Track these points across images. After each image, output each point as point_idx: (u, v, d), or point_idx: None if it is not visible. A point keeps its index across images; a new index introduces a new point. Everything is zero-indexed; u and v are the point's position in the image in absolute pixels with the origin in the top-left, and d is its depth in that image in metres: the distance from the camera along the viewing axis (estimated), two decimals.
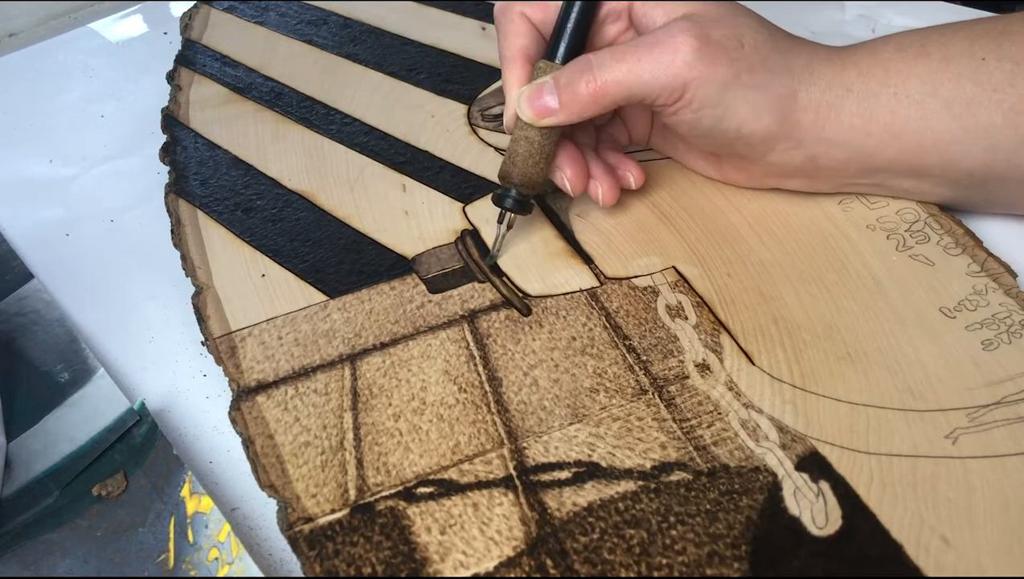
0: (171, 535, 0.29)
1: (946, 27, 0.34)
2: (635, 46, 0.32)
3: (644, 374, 0.32)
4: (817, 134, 0.34)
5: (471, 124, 0.44)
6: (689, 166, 0.40)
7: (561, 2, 0.35)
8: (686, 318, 0.34)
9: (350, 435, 0.31)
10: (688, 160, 0.40)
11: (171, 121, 0.46)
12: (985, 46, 0.33)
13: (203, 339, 0.34)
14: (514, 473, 0.29)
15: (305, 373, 0.33)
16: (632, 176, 0.37)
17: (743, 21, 0.33)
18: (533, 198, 0.37)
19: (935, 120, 0.33)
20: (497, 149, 0.43)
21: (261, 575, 0.27)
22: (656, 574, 0.26)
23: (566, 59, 0.34)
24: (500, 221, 0.36)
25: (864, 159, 0.34)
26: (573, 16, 0.34)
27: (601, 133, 0.39)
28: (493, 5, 0.53)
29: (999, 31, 0.33)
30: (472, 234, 0.38)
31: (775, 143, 0.34)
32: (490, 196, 0.37)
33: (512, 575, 0.26)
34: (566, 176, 0.36)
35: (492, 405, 0.31)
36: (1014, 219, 0.37)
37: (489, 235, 0.38)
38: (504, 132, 0.44)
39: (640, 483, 0.28)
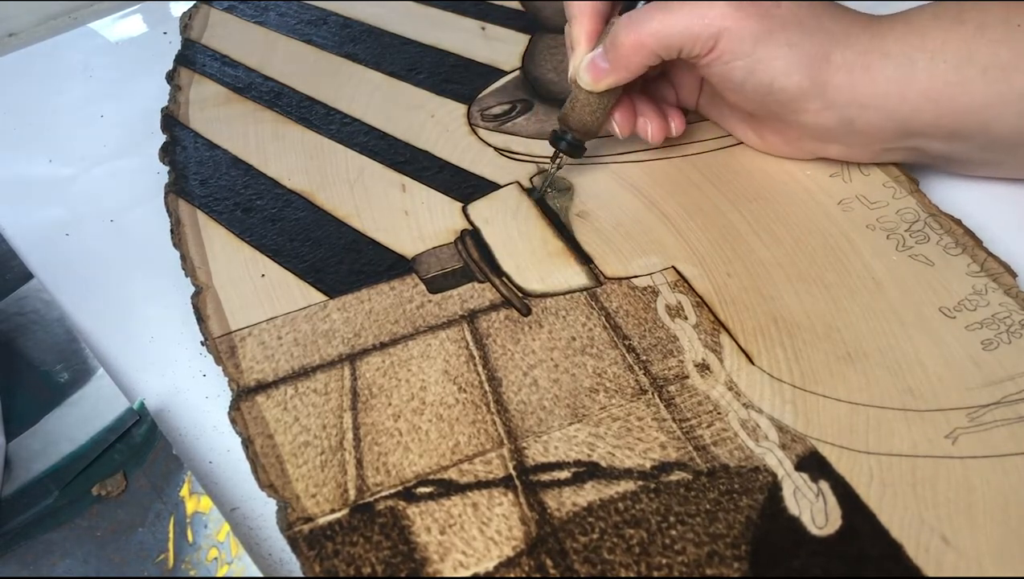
0: (170, 535, 0.29)
1: None
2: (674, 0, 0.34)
3: (644, 374, 0.32)
4: (850, 96, 0.35)
5: (471, 124, 0.44)
6: (733, 132, 0.41)
7: None
8: (686, 318, 0.34)
9: (350, 435, 0.31)
10: (731, 125, 0.41)
11: (171, 121, 0.46)
12: (1021, 12, 0.34)
13: (203, 339, 0.34)
14: (514, 473, 0.29)
15: (305, 373, 0.33)
16: (674, 123, 0.39)
17: None
18: (534, 192, 0.38)
19: (971, 85, 0.34)
20: (497, 149, 0.43)
21: (260, 575, 0.27)
22: (656, 574, 0.26)
23: None
24: (552, 159, 0.39)
25: (900, 123, 0.35)
26: None
27: (648, 89, 0.41)
28: (493, 5, 0.53)
29: None
30: (472, 234, 0.38)
31: (806, 102, 0.35)
32: (547, 138, 0.39)
33: (512, 575, 0.26)
34: (615, 119, 0.38)
35: (492, 405, 0.31)
36: (1014, 219, 0.37)
37: (490, 235, 0.38)
38: (504, 132, 0.44)
39: (640, 483, 0.28)
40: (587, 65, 0.36)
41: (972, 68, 0.34)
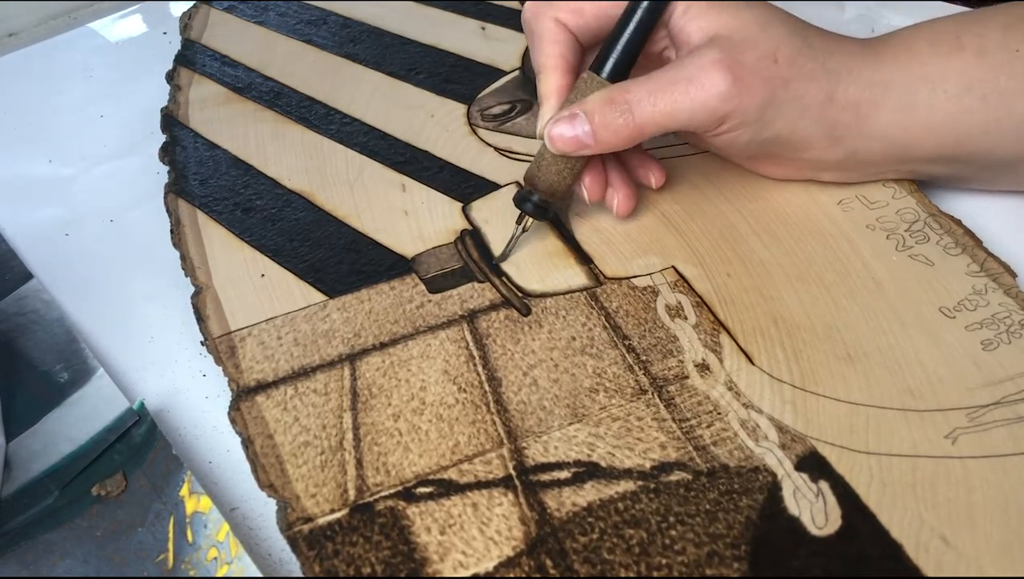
0: (170, 535, 0.29)
1: (979, 15, 0.34)
2: (670, 81, 0.32)
3: (644, 374, 0.32)
4: (857, 131, 0.34)
5: (471, 124, 0.44)
6: (723, 156, 0.40)
7: (593, 3, 0.34)
8: (686, 318, 0.34)
9: (349, 435, 0.31)
10: (716, 151, 0.39)
11: (170, 121, 0.46)
12: (1018, 37, 0.33)
13: (202, 339, 0.34)
14: (513, 473, 0.29)
15: (305, 373, 0.33)
16: (653, 177, 0.38)
17: (776, 32, 0.33)
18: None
19: (971, 113, 0.33)
20: (497, 149, 0.43)
21: (260, 575, 0.27)
22: (656, 574, 0.26)
23: (613, 75, 0.34)
24: (518, 222, 0.36)
25: (901, 152, 0.35)
26: (628, 32, 0.33)
27: None
28: (493, 5, 0.53)
29: None
30: (472, 234, 0.38)
31: (813, 143, 0.34)
32: (512, 198, 0.36)
33: (512, 575, 0.26)
34: (584, 184, 0.36)
35: (491, 405, 0.31)
36: (1014, 219, 0.37)
37: (489, 234, 0.38)
38: (504, 132, 0.44)
39: (640, 483, 0.28)
40: (562, 133, 0.33)
41: (972, 96, 0.33)
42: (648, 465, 0.29)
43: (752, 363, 0.32)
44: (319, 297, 0.36)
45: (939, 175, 0.37)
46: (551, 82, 0.35)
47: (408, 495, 0.29)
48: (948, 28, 0.34)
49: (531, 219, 0.36)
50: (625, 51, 0.34)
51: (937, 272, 0.34)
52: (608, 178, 0.36)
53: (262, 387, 0.32)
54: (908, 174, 0.38)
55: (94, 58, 0.53)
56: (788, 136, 0.34)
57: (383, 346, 0.33)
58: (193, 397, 0.34)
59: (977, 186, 0.38)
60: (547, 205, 0.35)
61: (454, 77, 0.48)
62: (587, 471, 0.29)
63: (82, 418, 0.32)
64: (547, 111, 0.35)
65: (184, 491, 0.30)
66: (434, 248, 0.37)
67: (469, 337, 0.34)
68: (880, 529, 0.26)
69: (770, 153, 0.36)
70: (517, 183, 0.40)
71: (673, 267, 0.36)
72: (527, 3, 0.35)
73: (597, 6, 0.34)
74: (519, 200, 0.36)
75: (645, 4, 0.33)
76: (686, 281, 0.35)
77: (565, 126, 0.33)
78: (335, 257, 0.37)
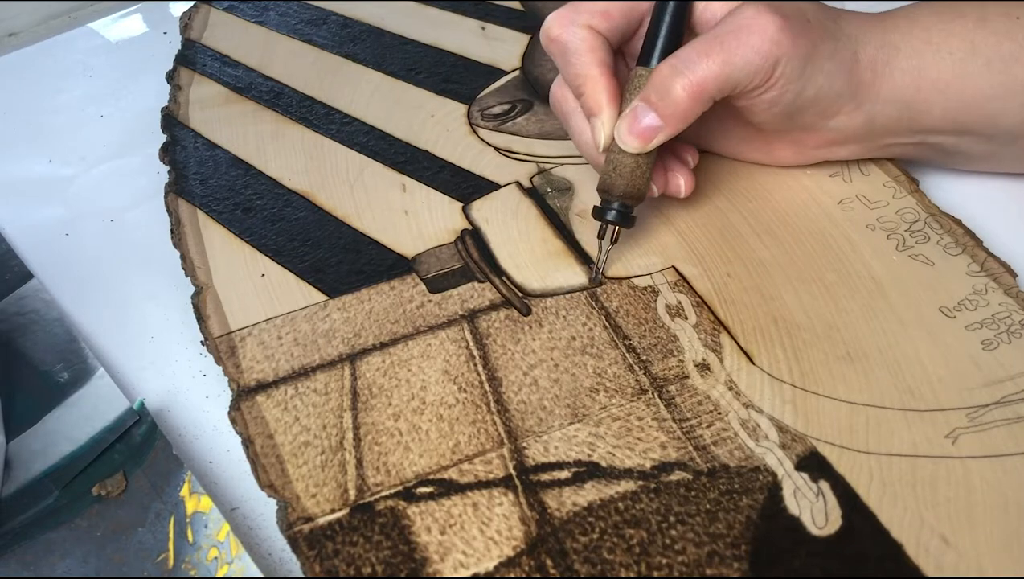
0: (170, 535, 0.29)
1: None
2: (717, 37, 0.32)
3: (644, 374, 0.32)
4: (876, 93, 0.35)
5: (471, 124, 0.44)
6: (732, 154, 0.40)
7: (619, 2, 0.34)
8: (686, 318, 0.34)
9: (350, 435, 0.31)
10: (731, 148, 0.40)
11: (171, 121, 0.46)
12: (1019, 6, 0.34)
13: (203, 339, 0.34)
14: (514, 473, 0.29)
15: (305, 373, 0.33)
16: (690, 157, 0.38)
17: (796, 2, 0.34)
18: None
19: (977, 77, 0.34)
20: (497, 149, 0.43)
21: (260, 575, 0.27)
22: (656, 574, 0.26)
23: None
24: (601, 236, 0.35)
25: (913, 117, 0.35)
26: (667, 17, 0.34)
27: None
28: (493, 5, 0.53)
29: None
30: (472, 234, 0.38)
31: (842, 105, 0.35)
32: (591, 215, 0.35)
33: (512, 575, 0.26)
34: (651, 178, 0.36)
35: (492, 405, 0.31)
36: (1015, 219, 0.37)
37: (489, 234, 0.38)
38: (504, 132, 0.44)
39: (640, 483, 0.28)
40: (631, 130, 0.33)
41: (977, 60, 0.34)
42: (648, 465, 0.29)
43: (752, 363, 0.32)
44: (319, 297, 0.36)
45: (947, 148, 0.37)
46: (602, 89, 0.34)
47: (408, 495, 0.29)
48: (948, 2, 0.35)
49: (618, 229, 0.35)
50: (669, 36, 0.34)
51: (937, 272, 0.34)
52: (666, 166, 0.37)
53: (262, 387, 0.32)
54: (918, 149, 0.38)
55: (94, 58, 0.53)
56: (825, 95, 0.34)
57: (383, 346, 0.34)
58: (193, 397, 0.34)
59: (981, 167, 0.39)
60: (629, 210, 0.35)
61: (454, 77, 0.48)
62: (587, 471, 0.29)
63: (82, 418, 0.32)
64: (607, 119, 0.34)
65: (184, 491, 0.30)
66: (434, 248, 0.37)
67: (469, 337, 0.34)
68: (880, 529, 0.27)
69: (799, 125, 0.36)
70: (517, 183, 0.40)
71: (673, 267, 0.36)
72: (550, 19, 0.35)
73: (623, 4, 0.35)
74: (599, 213, 0.35)
75: None
76: (686, 281, 0.35)
77: (631, 121, 0.33)
78: (335, 257, 0.37)
